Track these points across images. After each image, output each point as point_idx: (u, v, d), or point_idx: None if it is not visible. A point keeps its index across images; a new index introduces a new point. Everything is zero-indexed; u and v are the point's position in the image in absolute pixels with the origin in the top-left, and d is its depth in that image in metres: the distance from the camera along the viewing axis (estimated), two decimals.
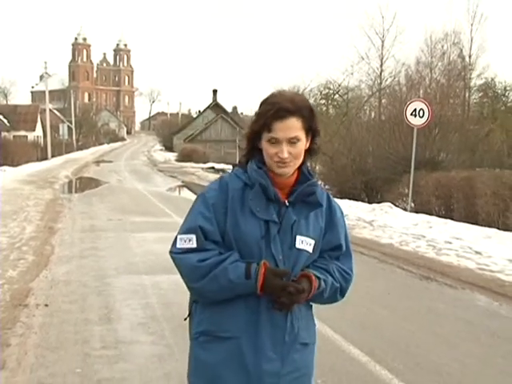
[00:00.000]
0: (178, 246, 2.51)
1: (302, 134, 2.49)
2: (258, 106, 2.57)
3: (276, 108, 2.46)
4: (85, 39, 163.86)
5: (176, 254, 2.52)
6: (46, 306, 7.33)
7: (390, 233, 13.51)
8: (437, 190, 18.87)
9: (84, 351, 5.82)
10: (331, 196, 2.74)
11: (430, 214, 17.27)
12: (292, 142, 2.46)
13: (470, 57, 43.48)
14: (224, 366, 2.48)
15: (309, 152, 2.60)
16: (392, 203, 18.38)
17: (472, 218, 16.38)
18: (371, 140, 26.49)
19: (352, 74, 35.27)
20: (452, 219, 15.88)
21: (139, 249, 11.41)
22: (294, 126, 2.47)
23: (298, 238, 2.53)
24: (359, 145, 26.55)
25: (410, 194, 18.47)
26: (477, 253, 10.91)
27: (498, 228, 14.28)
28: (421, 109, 18.10)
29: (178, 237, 2.53)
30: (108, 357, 5.68)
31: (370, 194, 24.05)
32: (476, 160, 27.10)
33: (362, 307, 7.73)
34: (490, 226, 14.42)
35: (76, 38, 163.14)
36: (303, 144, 2.52)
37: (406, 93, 34.37)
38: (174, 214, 16.57)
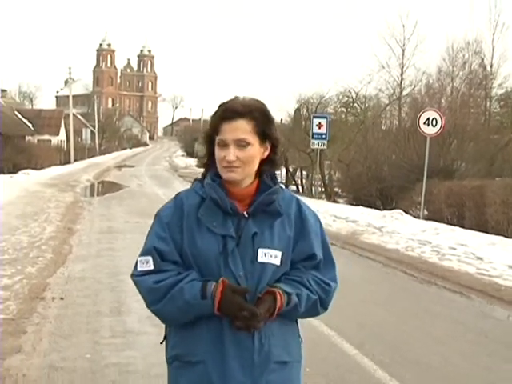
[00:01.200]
0: (138, 268, 2.43)
1: (252, 138, 2.39)
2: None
3: (223, 109, 2.41)
4: (109, 45, 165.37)
5: (136, 276, 2.45)
6: (62, 299, 7.84)
7: (397, 238, 13.87)
8: (448, 198, 19.21)
9: (94, 339, 6.31)
10: (302, 201, 2.59)
11: (442, 221, 17.58)
12: (241, 145, 2.37)
13: (491, 66, 43.49)
14: None
15: (268, 162, 2.49)
16: (404, 210, 18.72)
17: (482, 226, 16.69)
18: (387, 148, 26.81)
19: (369, 82, 35.52)
20: (463, 227, 16.20)
21: None
22: (242, 128, 2.37)
23: (261, 250, 2.40)
24: (375, 153, 26.91)
25: (422, 202, 18.80)
26: (478, 258, 11.26)
27: (507, 236, 14.59)
28: (434, 118, 18.47)
29: (138, 259, 2.44)
30: (116, 345, 6.16)
31: (385, 202, 24.38)
32: (495, 169, 27.35)
33: (361, 307, 8.14)
34: (498, 234, 14.73)
35: (101, 44, 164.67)
36: (255, 149, 2.41)
37: (428, 101, 34.68)
38: None
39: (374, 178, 25.36)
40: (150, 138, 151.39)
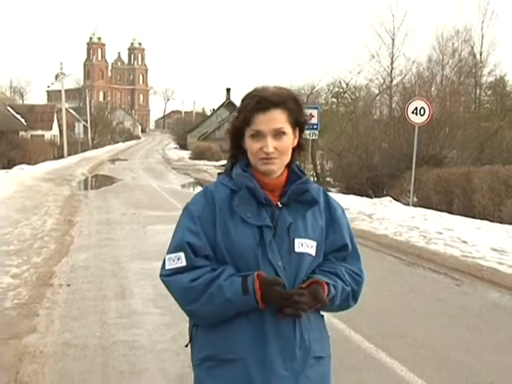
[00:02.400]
0: (167, 267, 2.34)
1: (288, 128, 2.35)
2: (240, 101, 2.45)
3: (257, 100, 2.33)
4: (99, 38, 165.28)
5: (166, 276, 2.34)
6: (68, 285, 8.32)
7: (387, 225, 14.38)
8: (437, 185, 19.71)
9: (102, 320, 6.81)
10: (328, 193, 2.58)
11: (431, 208, 18.10)
12: (277, 134, 2.32)
13: (481, 54, 43.91)
14: None
15: (298, 148, 2.46)
16: (394, 198, 19.25)
17: (470, 211, 17.21)
18: (377, 137, 27.30)
19: (359, 72, 35.99)
20: (451, 213, 16.72)
21: (151, 239, 12.38)
22: (278, 118, 2.32)
23: (297, 240, 2.36)
24: (365, 142, 27.39)
25: (412, 190, 19.29)
26: (463, 242, 11.78)
27: (493, 221, 15.11)
28: (422, 107, 18.88)
29: (167, 257, 2.36)
30: (123, 324, 6.66)
31: (376, 190, 24.84)
32: (485, 157, 27.85)
33: None
34: (485, 219, 15.25)
35: (91, 38, 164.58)
36: (290, 139, 2.37)
37: (418, 90, 35.15)
38: None
39: (364, 166, 25.84)
40: (142, 130, 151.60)
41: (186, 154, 67.02)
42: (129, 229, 13.84)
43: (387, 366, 5.59)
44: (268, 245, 2.32)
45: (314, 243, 2.40)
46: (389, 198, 18.69)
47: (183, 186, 29.06)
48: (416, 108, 18.92)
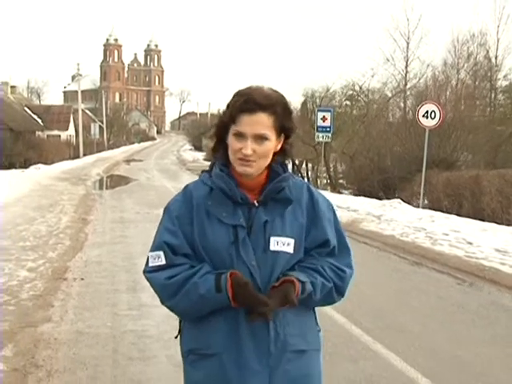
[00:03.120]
0: (150, 264, 2.43)
1: (271, 133, 2.34)
2: (232, 96, 2.42)
3: (245, 99, 2.32)
4: (116, 40, 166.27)
5: (148, 273, 2.44)
6: (82, 279, 8.66)
7: (394, 226, 14.62)
8: (447, 188, 19.92)
9: (113, 311, 7.14)
10: (313, 188, 2.56)
11: (441, 210, 18.30)
12: (259, 139, 2.32)
13: (496, 58, 43.83)
14: None
15: (281, 152, 2.46)
16: (404, 200, 19.47)
17: (479, 214, 17.41)
18: (389, 140, 27.52)
19: (373, 76, 36.14)
20: (460, 216, 16.93)
21: None
22: (262, 123, 2.31)
23: (272, 239, 2.38)
24: (377, 145, 27.63)
25: (422, 192, 19.49)
26: (468, 243, 12.01)
27: (501, 223, 15.31)
28: (432, 111, 19.09)
29: (149, 254, 2.44)
30: (132, 315, 6.99)
31: (388, 192, 25.06)
32: (500, 160, 27.98)
33: (353, 286, 8.90)
34: (494, 222, 15.45)
35: (107, 39, 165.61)
36: (272, 144, 2.36)
37: (433, 93, 35.25)
38: None
39: (376, 169, 26.08)
40: (158, 132, 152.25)
41: (200, 155, 67.41)
42: (142, 227, 14.16)
43: (383, 356, 5.87)
44: (241, 244, 2.36)
45: (292, 241, 2.40)
46: (398, 200, 18.93)
47: None
48: (427, 111, 19.12)
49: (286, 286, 2.31)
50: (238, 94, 2.38)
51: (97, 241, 12.06)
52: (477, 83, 42.22)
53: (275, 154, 2.43)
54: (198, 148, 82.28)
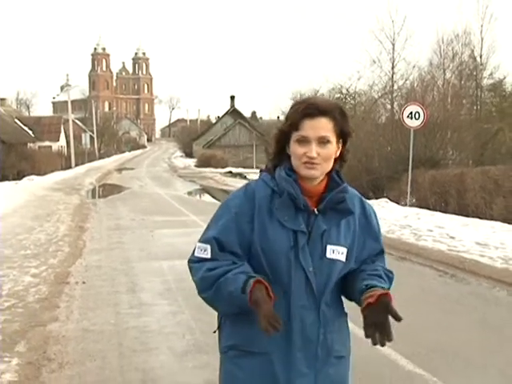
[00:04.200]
0: (196, 254, 2.47)
1: (332, 137, 2.40)
2: (290, 107, 2.51)
3: (306, 105, 2.40)
4: (104, 49, 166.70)
5: (191, 262, 2.49)
6: (84, 283, 9.13)
7: (381, 224, 14.94)
8: (433, 186, 20.46)
9: (116, 310, 7.63)
10: (364, 199, 2.67)
11: (428, 208, 18.86)
12: (322, 142, 2.38)
13: (481, 57, 44.34)
14: (255, 382, 2.43)
15: (340, 158, 2.53)
16: (390, 199, 20.03)
17: (464, 210, 17.95)
18: (376, 141, 28.05)
19: (359, 79, 36.67)
20: (446, 212, 17.49)
21: (159, 241, 13.20)
22: (324, 126, 2.38)
23: (329, 247, 2.44)
24: (365, 146, 28.16)
25: (409, 191, 20.02)
26: (451, 238, 12.57)
27: (484, 218, 15.85)
28: (416, 112, 19.66)
29: (197, 245, 2.48)
30: (134, 314, 7.48)
31: (377, 192, 25.57)
32: (487, 158, 28.57)
33: None
34: (478, 217, 16.01)
35: (95, 48, 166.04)
36: (334, 148, 2.43)
37: (420, 94, 35.77)
38: (191, 213, 18.50)
39: (364, 170, 26.56)
40: (148, 140, 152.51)
41: (191, 161, 67.75)
42: (138, 233, 14.63)
43: (366, 341, 6.37)
44: (301, 249, 2.40)
45: (345, 250, 2.47)
46: (385, 199, 19.50)
47: (189, 193, 29.87)
48: (411, 112, 19.67)
49: (383, 298, 2.32)
50: (298, 103, 2.47)
51: (95, 247, 12.52)
52: (462, 82, 42.77)
53: (335, 160, 2.48)
54: (188, 154, 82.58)
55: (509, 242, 11.73)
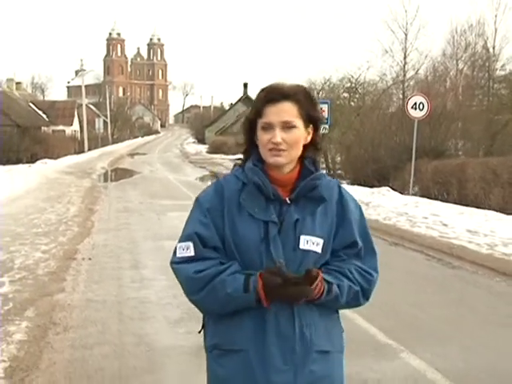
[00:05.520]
0: (178, 255, 2.41)
1: (298, 121, 2.35)
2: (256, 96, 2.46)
3: (267, 91, 2.38)
4: (119, 34, 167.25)
5: (175, 264, 2.42)
6: (90, 259, 9.74)
7: (380, 211, 15.68)
8: (435, 175, 20.92)
9: (118, 284, 8.24)
10: (343, 188, 2.53)
11: (430, 197, 19.32)
12: (286, 127, 2.33)
13: (494, 48, 44.35)
14: (234, 381, 2.40)
15: (312, 145, 2.46)
16: (392, 188, 20.52)
17: (464, 200, 18.40)
18: (382, 131, 28.49)
19: (368, 68, 36.93)
20: (447, 202, 17.96)
21: (164, 223, 13.79)
22: (287, 110, 2.33)
23: (302, 237, 2.36)
24: (371, 136, 28.60)
25: (412, 180, 20.46)
26: (444, 225, 13.08)
27: (483, 208, 16.29)
28: (421, 102, 20.05)
29: (178, 245, 2.42)
30: (135, 287, 8.08)
31: (382, 181, 26.02)
32: (497, 149, 28.91)
33: None
34: (477, 207, 16.46)
35: (110, 33, 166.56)
36: (301, 132, 2.37)
37: (432, 84, 36.00)
38: None
39: (370, 159, 27.04)
40: (162, 125, 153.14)
41: (203, 148, 68.26)
42: (145, 216, 15.24)
43: (349, 318, 6.86)
44: (272, 240, 2.34)
45: (321, 241, 2.39)
46: (387, 188, 19.98)
47: (198, 178, 30.44)
48: (415, 103, 20.06)
49: (310, 272, 2.27)
50: (261, 90, 2.43)
51: (103, 227, 13.13)
52: (475, 73, 42.88)
53: (306, 146, 2.44)
54: (200, 141, 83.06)
55: (499, 230, 12.22)
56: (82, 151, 51.65)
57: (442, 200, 18.69)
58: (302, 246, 2.35)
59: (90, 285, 8.12)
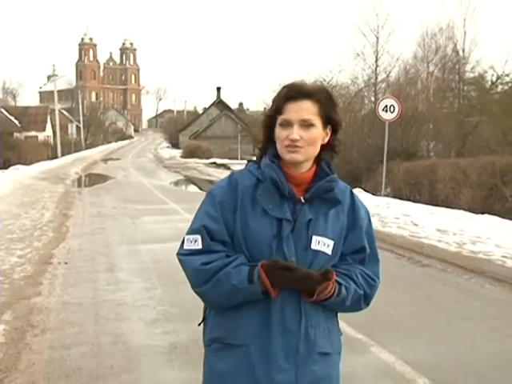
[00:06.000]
0: (185, 247, 2.41)
1: (317, 120, 2.36)
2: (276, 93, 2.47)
3: (288, 88, 2.38)
4: (91, 39, 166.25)
5: (182, 255, 2.42)
6: (66, 263, 9.81)
7: None
8: (407, 176, 21.25)
9: (94, 287, 8.33)
10: (355, 193, 2.58)
11: (402, 198, 19.64)
12: (305, 125, 2.34)
13: (463, 50, 44.90)
14: (234, 376, 2.38)
15: (329, 147, 2.47)
16: (364, 189, 20.80)
17: (435, 200, 18.76)
18: (354, 133, 28.80)
19: (340, 72, 37.30)
20: (419, 202, 18.28)
21: (139, 227, 13.89)
22: (307, 109, 2.34)
23: (315, 238, 2.37)
24: (344, 138, 28.73)
25: (383, 182, 20.76)
26: (414, 224, 13.36)
27: (453, 208, 16.62)
28: (391, 105, 20.34)
29: (185, 237, 2.43)
30: (110, 289, 8.19)
31: (355, 183, 26.30)
32: (468, 150, 29.37)
33: None
34: (447, 207, 16.79)
35: (82, 38, 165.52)
36: (318, 132, 2.38)
37: (404, 86, 36.39)
38: (171, 202, 19.23)
39: (343, 161, 27.32)
40: (135, 130, 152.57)
41: (177, 152, 68.13)
42: (119, 220, 15.31)
43: None
44: (285, 239, 2.34)
45: (332, 242, 2.41)
46: (359, 189, 20.25)
47: (172, 183, 30.50)
48: (386, 105, 20.34)
49: (327, 273, 2.30)
50: (283, 87, 2.43)
51: (78, 232, 13.19)
52: (445, 76, 43.40)
53: (323, 147, 2.44)
54: (174, 145, 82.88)
55: (467, 228, 12.52)
56: (55, 157, 51.37)
57: (413, 201, 19.03)
58: (313, 247, 2.37)
59: (67, 288, 8.21)
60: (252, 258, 2.35)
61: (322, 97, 2.37)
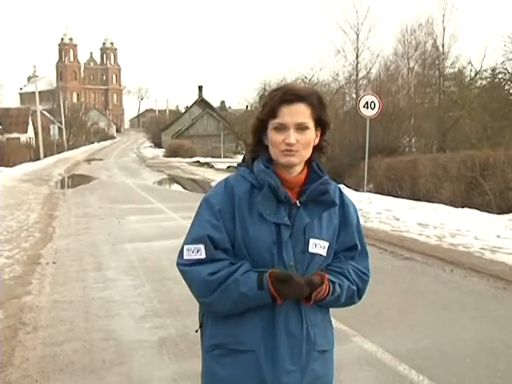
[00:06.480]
0: (186, 257, 2.38)
1: (310, 123, 2.37)
2: (267, 95, 2.46)
3: (283, 91, 2.36)
4: (71, 39, 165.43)
5: (184, 266, 2.38)
6: (54, 263, 9.96)
7: None
8: (388, 172, 21.53)
9: (83, 285, 8.49)
10: (343, 192, 2.61)
11: (384, 193, 19.92)
12: (300, 128, 2.34)
13: (443, 46, 45.35)
14: (241, 381, 2.39)
15: (318, 149, 2.48)
16: (346, 185, 21.04)
17: (416, 195, 19.07)
18: (336, 129, 29.07)
19: (321, 69, 37.56)
20: (401, 197, 18.57)
21: (125, 227, 14.04)
22: (302, 112, 2.35)
23: (312, 241, 2.40)
24: (326, 135, 29.11)
25: (365, 177, 21.00)
26: (396, 219, 13.62)
27: (434, 202, 16.92)
28: (372, 101, 20.57)
29: (185, 247, 2.39)
30: (99, 287, 8.35)
31: (338, 179, 26.56)
32: (449, 145, 29.74)
33: None
34: (428, 201, 17.08)
35: (62, 39, 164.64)
36: (312, 134, 2.39)
37: (385, 83, 36.70)
38: (155, 201, 19.40)
39: (326, 157, 27.53)
40: (117, 130, 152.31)
41: (160, 151, 68.23)
42: (105, 220, 15.44)
43: None
44: (284, 244, 2.36)
45: (327, 244, 2.44)
46: (342, 186, 20.43)
47: (156, 182, 30.61)
48: (367, 102, 20.57)
49: (318, 277, 2.36)
50: (275, 90, 2.44)
51: (64, 232, 13.32)
52: (426, 71, 43.82)
53: (313, 149, 2.45)
54: (157, 144, 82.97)
55: (447, 222, 12.81)
56: (37, 158, 51.29)
57: (395, 196, 19.32)
58: (310, 250, 2.39)
59: (56, 287, 8.36)
60: (254, 264, 2.36)
61: (315, 99, 2.39)
